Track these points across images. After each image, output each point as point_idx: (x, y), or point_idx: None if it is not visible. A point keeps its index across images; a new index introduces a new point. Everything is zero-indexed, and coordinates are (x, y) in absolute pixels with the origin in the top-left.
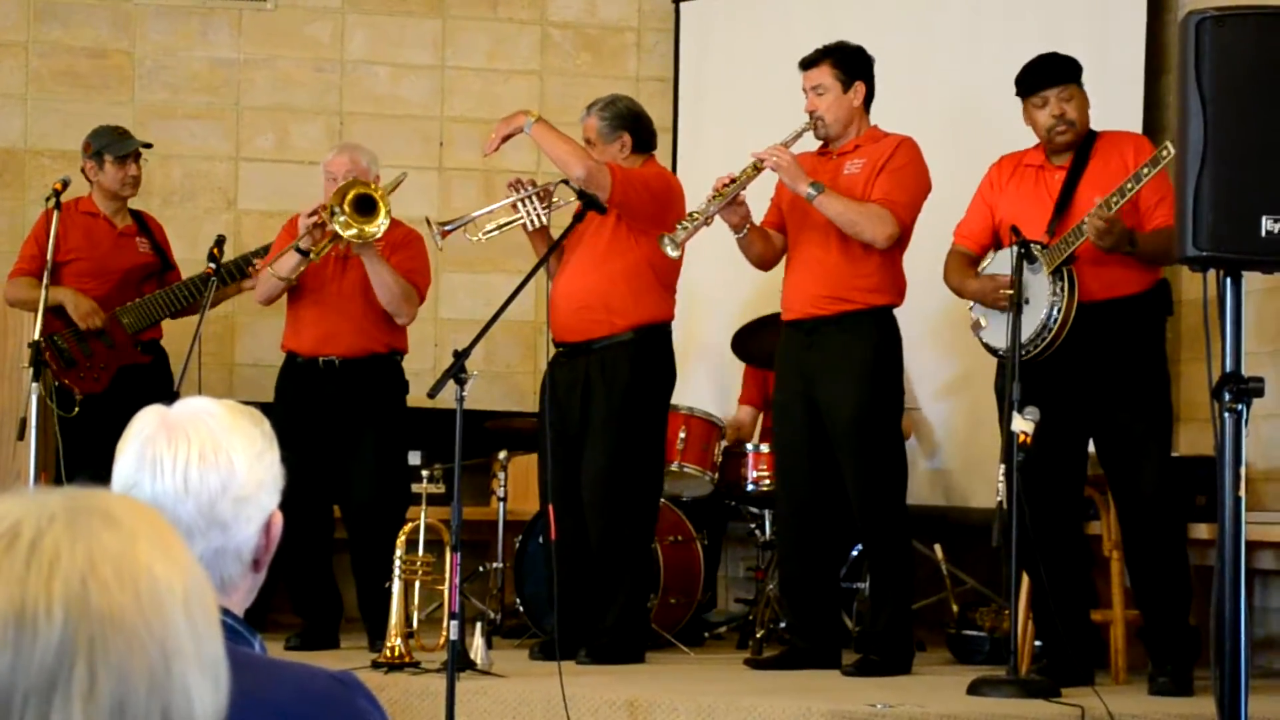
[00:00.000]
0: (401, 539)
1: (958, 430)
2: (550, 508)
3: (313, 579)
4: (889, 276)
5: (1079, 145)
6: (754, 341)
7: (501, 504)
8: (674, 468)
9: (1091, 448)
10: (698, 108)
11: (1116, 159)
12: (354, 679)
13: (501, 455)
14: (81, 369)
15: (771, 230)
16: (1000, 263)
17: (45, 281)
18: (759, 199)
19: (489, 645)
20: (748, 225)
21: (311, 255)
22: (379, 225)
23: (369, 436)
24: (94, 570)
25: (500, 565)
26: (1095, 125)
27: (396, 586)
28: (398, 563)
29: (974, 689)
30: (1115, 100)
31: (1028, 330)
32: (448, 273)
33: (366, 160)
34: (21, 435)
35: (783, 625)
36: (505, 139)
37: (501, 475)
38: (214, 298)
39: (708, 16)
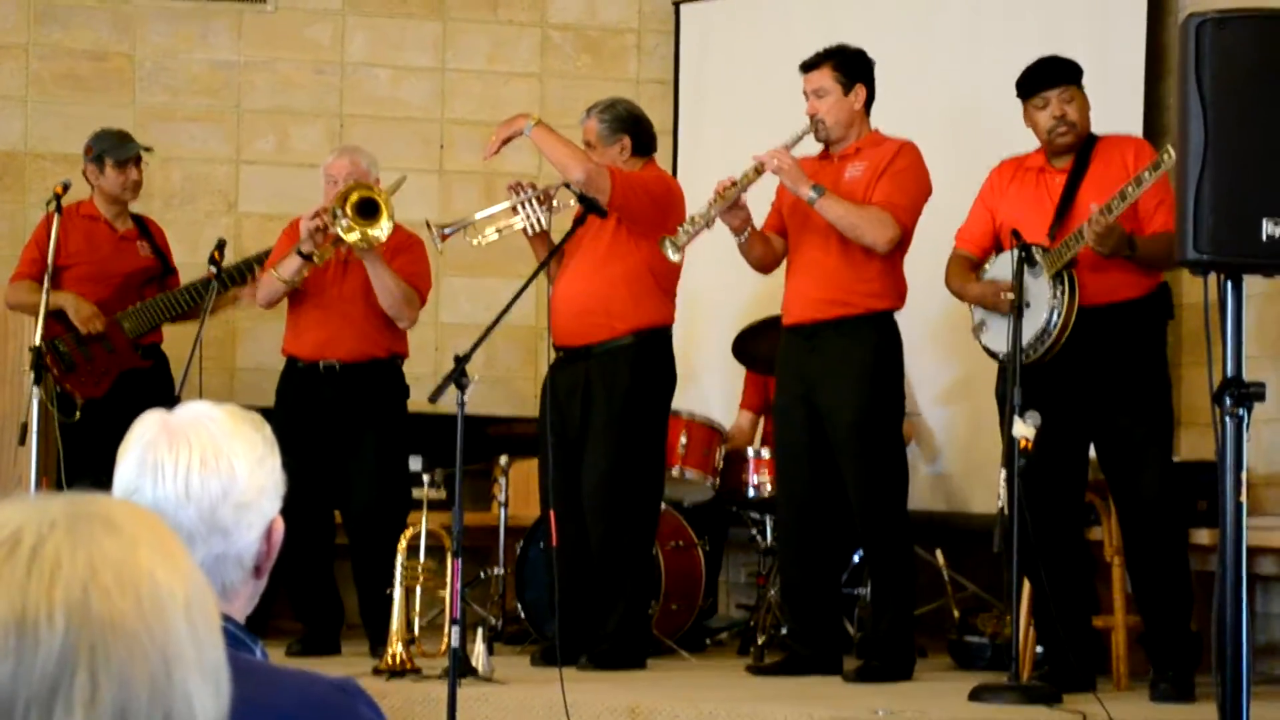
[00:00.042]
0: (402, 545)
1: (959, 435)
2: (551, 513)
3: (314, 585)
4: (890, 281)
5: (1080, 148)
6: (755, 346)
7: (503, 509)
8: (675, 473)
9: (1092, 453)
10: (698, 110)
11: (1117, 162)
12: (355, 686)
13: (502, 460)
14: (82, 373)
15: (772, 234)
16: (1001, 267)
17: (46, 285)
18: (760, 202)
19: (490, 651)
20: (749, 229)
21: (315, 259)
22: (382, 228)
23: (369, 441)
24: (95, 577)
25: (501, 571)
26: (1096, 128)
27: (397, 593)
28: (399, 569)
29: (975, 695)
30: (1116, 103)
31: (1028, 334)
32: (448, 277)
33: (367, 163)
34: (23, 440)
35: (784, 631)
36: (505, 142)
37: (502, 480)
38: (210, 306)
39: (708, 18)
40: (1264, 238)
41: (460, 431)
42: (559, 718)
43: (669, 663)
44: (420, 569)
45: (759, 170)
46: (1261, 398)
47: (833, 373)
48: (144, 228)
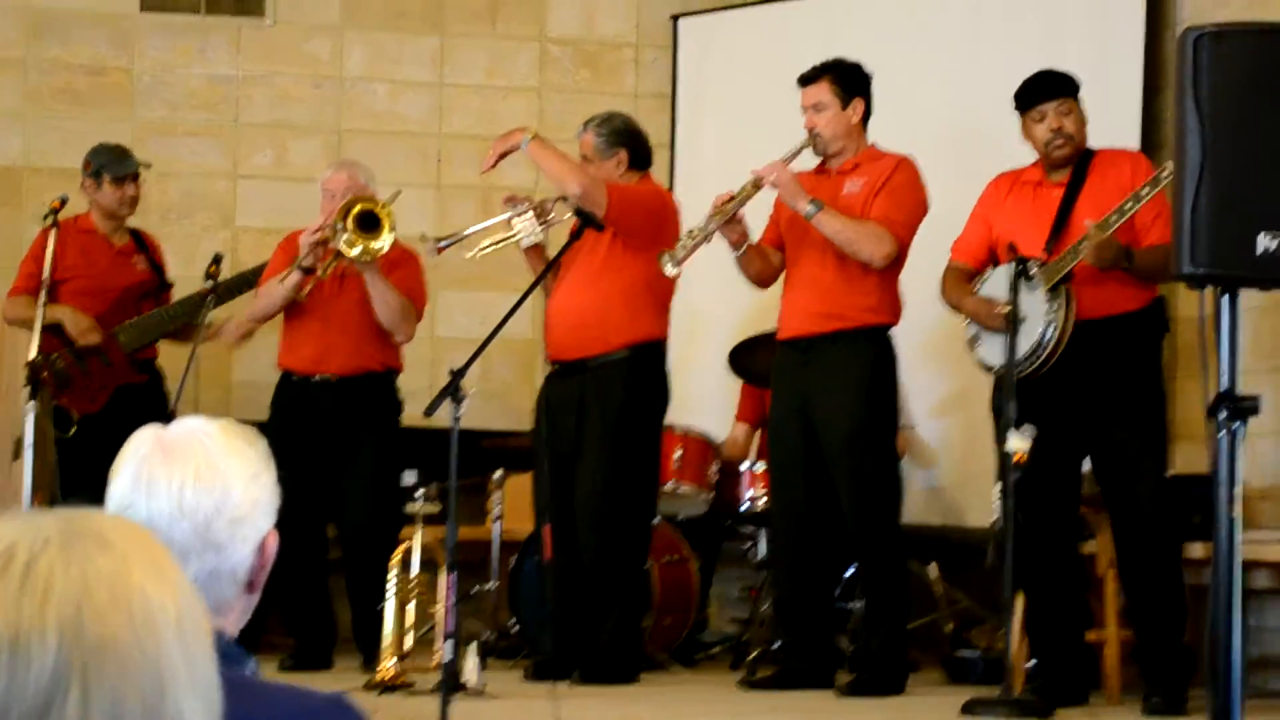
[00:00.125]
0: (396, 559)
1: (954, 449)
2: (547, 527)
3: (307, 600)
4: (886, 296)
5: (1077, 162)
6: (752, 359)
7: (497, 523)
8: (670, 487)
9: (1087, 466)
10: (696, 123)
11: (1114, 176)
12: (347, 701)
13: (497, 475)
14: (79, 388)
15: (770, 248)
16: (997, 280)
17: (42, 300)
18: (757, 217)
19: (483, 666)
20: (746, 243)
21: (318, 273)
22: (384, 241)
23: (364, 455)
24: (88, 595)
25: (495, 585)
26: (1093, 140)
27: (391, 607)
28: (392, 583)
29: (967, 709)
30: (1113, 116)
31: (1024, 348)
32: (444, 291)
33: (364, 177)
34: (16, 455)
35: (776, 645)
36: (502, 156)
37: (497, 495)
38: (202, 321)
39: (706, 32)
40: (1259, 251)
41: (455, 446)
42: None
43: (661, 677)
44: (414, 583)
45: (757, 185)
46: (1256, 411)
47: (828, 387)
48: (141, 242)
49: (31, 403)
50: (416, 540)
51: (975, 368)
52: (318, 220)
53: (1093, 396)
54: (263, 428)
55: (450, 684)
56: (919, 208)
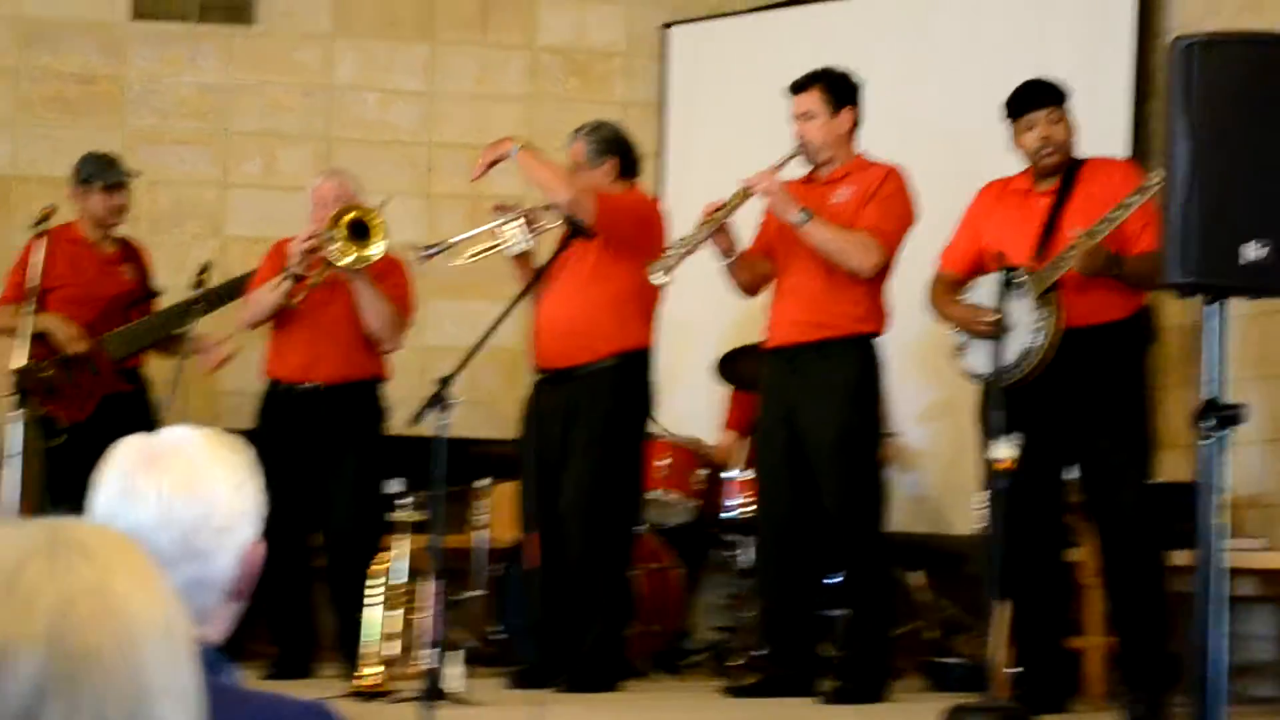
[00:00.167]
0: (381, 567)
1: (940, 457)
2: (531, 536)
3: (290, 608)
4: (873, 305)
5: (1066, 171)
6: (744, 367)
7: (482, 532)
8: (655, 495)
9: (1072, 474)
10: (685, 132)
11: (1103, 184)
12: (329, 709)
13: (484, 483)
14: (66, 397)
15: (758, 257)
16: (984, 289)
17: (30, 309)
18: (747, 225)
19: (467, 674)
20: (735, 252)
21: (310, 280)
22: (376, 249)
23: (348, 463)
24: (72, 605)
25: (479, 593)
26: (1083, 149)
27: (372, 614)
28: (376, 591)
29: (949, 716)
30: (1102, 125)
31: (1011, 355)
32: (432, 300)
33: (354, 186)
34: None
35: (760, 653)
36: (491, 165)
37: (481, 503)
38: (176, 348)
39: (695, 41)
40: (1247, 260)
41: (441, 454)
42: None
43: (645, 685)
44: (398, 591)
45: (747, 193)
46: (1240, 420)
47: (814, 394)
48: (129, 250)
49: (19, 411)
50: (403, 548)
51: (961, 376)
52: (308, 228)
53: (1078, 405)
54: (249, 436)
55: (433, 692)
56: (907, 217)
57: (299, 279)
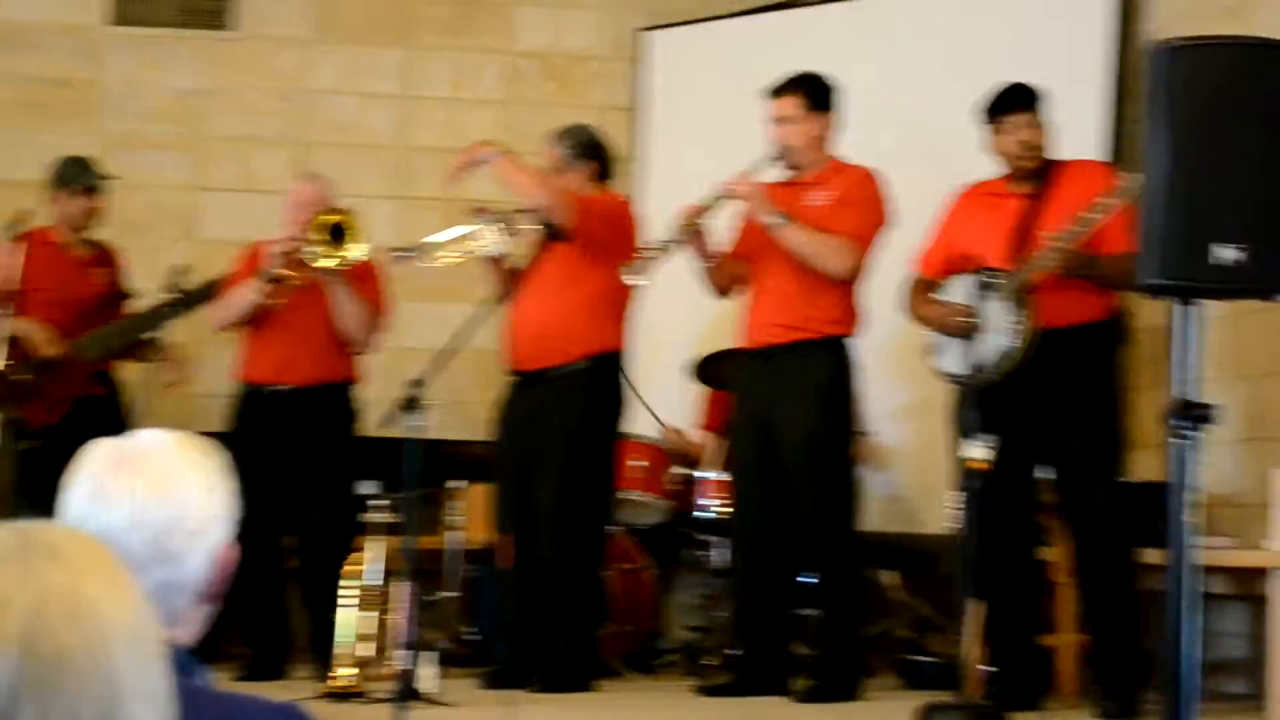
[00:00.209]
0: (354, 568)
1: (913, 457)
2: (505, 536)
3: (263, 610)
4: (846, 308)
5: (1041, 173)
6: (722, 368)
7: (456, 533)
8: (628, 496)
9: (1045, 474)
10: (661, 136)
11: (1079, 187)
12: (301, 710)
13: (456, 484)
14: (37, 400)
15: (734, 259)
16: (958, 290)
17: (7, 312)
18: (724, 229)
19: (440, 675)
20: (711, 254)
21: (292, 282)
22: (355, 251)
23: (319, 465)
24: (44, 609)
25: (453, 594)
26: (1059, 152)
27: (348, 616)
28: (348, 592)
29: (922, 714)
30: (1079, 128)
31: (986, 357)
32: (407, 302)
33: (331, 190)
34: None
35: (733, 652)
36: (467, 169)
37: (454, 504)
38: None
39: (671, 46)
40: (1219, 262)
41: (415, 456)
42: None
43: (618, 685)
44: (372, 592)
45: (724, 196)
46: (1212, 419)
47: (788, 396)
48: (103, 254)
49: None
50: (377, 550)
51: (934, 377)
52: (286, 231)
53: (1052, 406)
54: (222, 439)
55: (407, 692)
56: (883, 220)
57: (276, 281)
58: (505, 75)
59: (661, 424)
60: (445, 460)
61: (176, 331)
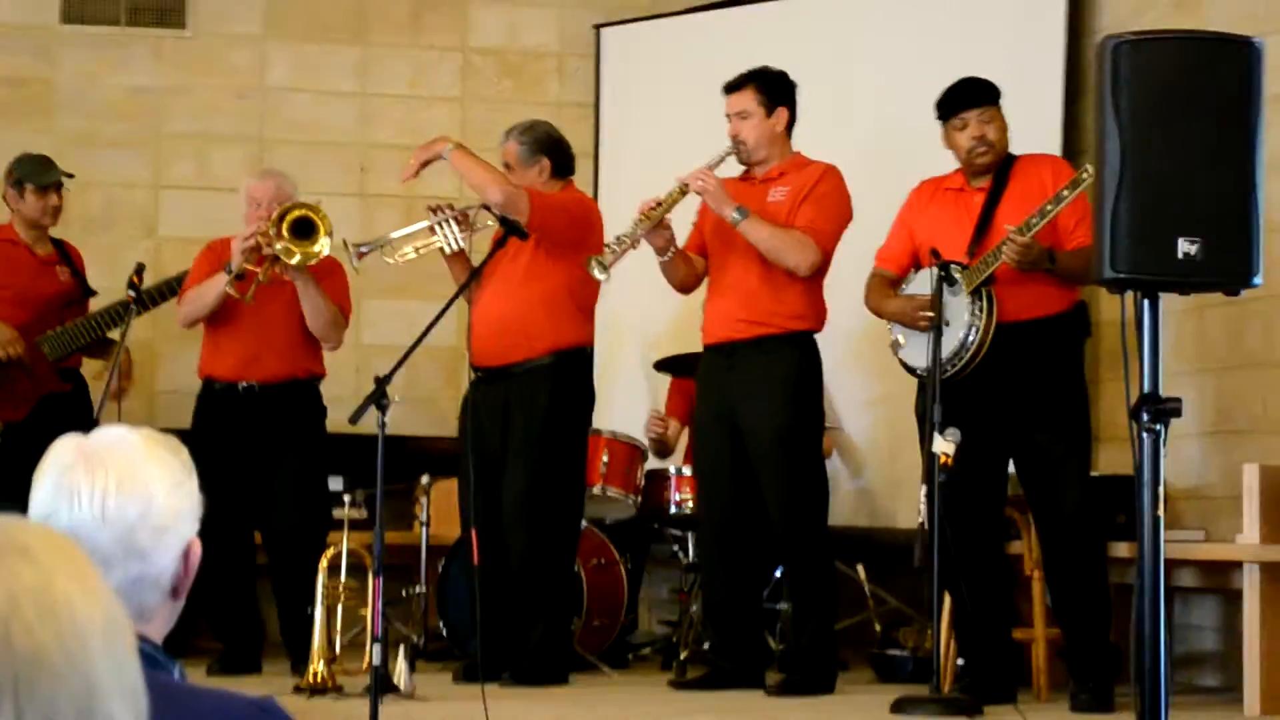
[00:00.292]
0: (324, 564)
1: (880, 451)
2: (473, 532)
3: (234, 604)
4: (810, 303)
5: (998, 168)
6: (682, 362)
7: (424, 528)
8: (597, 491)
9: (1012, 468)
10: (619, 132)
11: (1035, 181)
12: (274, 704)
13: (424, 480)
14: (2, 398)
15: (694, 254)
16: (920, 284)
17: None
18: (682, 223)
19: (412, 669)
20: (672, 248)
21: (259, 277)
22: (322, 245)
23: (289, 461)
24: (16, 609)
25: (423, 589)
26: (1015, 147)
27: (318, 611)
28: (320, 588)
29: (897, 708)
30: (1034, 122)
31: (946, 350)
32: (369, 299)
33: (290, 186)
34: None
35: (706, 646)
36: (424, 165)
37: (424, 500)
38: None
39: (629, 42)
40: (1179, 256)
41: (381, 452)
42: None
43: (592, 678)
44: (341, 588)
45: (683, 190)
46: (1178, 413)
47: (753, 391)
48: (64, 252)
49: None
50: (344, 545)
51: (900, 371)
52: (250, 226)
53: (1016, 399)
54: (186, 436)
55: (380, 687)
56: (843, 216)
57: (239, 277)
58: (461, 72)
59: (659, 414)
60: (411, 456)
61: (139, 329)
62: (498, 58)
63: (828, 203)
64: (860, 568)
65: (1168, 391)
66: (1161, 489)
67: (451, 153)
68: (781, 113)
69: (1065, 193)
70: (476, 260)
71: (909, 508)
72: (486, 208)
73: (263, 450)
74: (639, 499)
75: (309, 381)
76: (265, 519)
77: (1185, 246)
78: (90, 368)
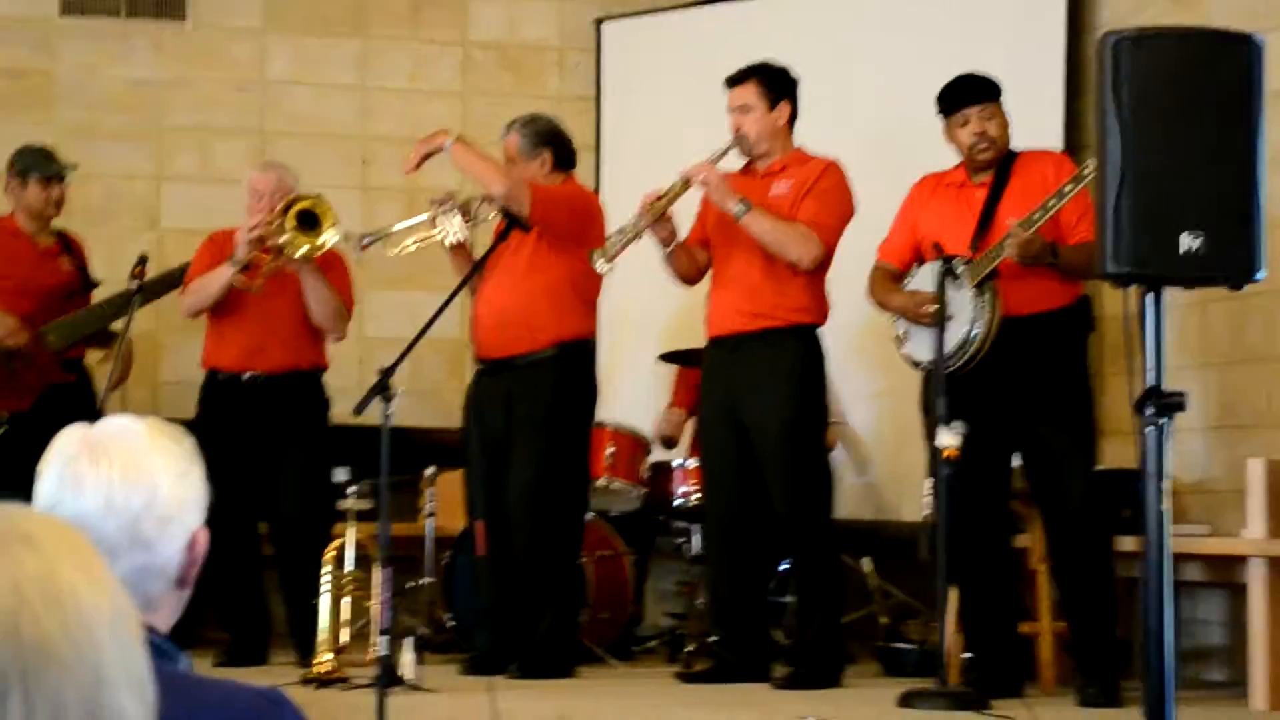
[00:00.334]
0: (330, 555)
1: (885, 444)
2: (478, 523)
3: (241, 595)
4: (813, 297)
5: (1000, 164)
6: (690, 351)
7: (429, 520)
8: (602, 483)
9: (1017, 461)
10: (620, 126)
11: (1037, 177)
12: (281, 695)
13: (429, 471)
14: (6, 388)
15: (696, 247)
16: (923, 278)
17: None
18: (685, 215)
19: (419, 661)
20: (674, 241)
21: (265, 269)
22: (328, 236)
23: (293, 452)
24: (23, 599)
25: (429, 581)
26: (1016, 143)
27: (325, 603)
28: (326, 579)
29: (904, 701)
30: (1035, 118)
31: (951, 344)
32: (373, 291)
33: (292, 178)
34: None
35: (712, 639)
36: (425, 158)
37: (429, 491)
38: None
39: (629, 35)
40: (1182, 251)
41: (386, 443)
42: None
43: (598, 671)
44: (348, 579)
45: (686, 183)
46: (1182, 407)
47: (757, 384)
48: (66, 243)
49: None
50: (350, 536)
51: (904, 365)
52: (254, 218)
53: (1020, 393)
54: (190, 426)
55: (387, 678)
56: (845, 211)
57: (246, 269)
58: (461, 66)
59: (673, 413)
60: (416, 447)
61: (142, 320)
62: (497, 51)
63: (830, 197)
64: (866, 561)
65: (1171, 386)
66: (1167, 483)
67: (453, 146)
68: (784, 107)
69: (1068, 188)
70: (477, 253)
71: (914, 501)
72: (488, 200)
73: (267, 441)
74: (644, 491)
75: (312, 373)
76: (271, 510)
77: (1188, 241)
78: (91, 359)
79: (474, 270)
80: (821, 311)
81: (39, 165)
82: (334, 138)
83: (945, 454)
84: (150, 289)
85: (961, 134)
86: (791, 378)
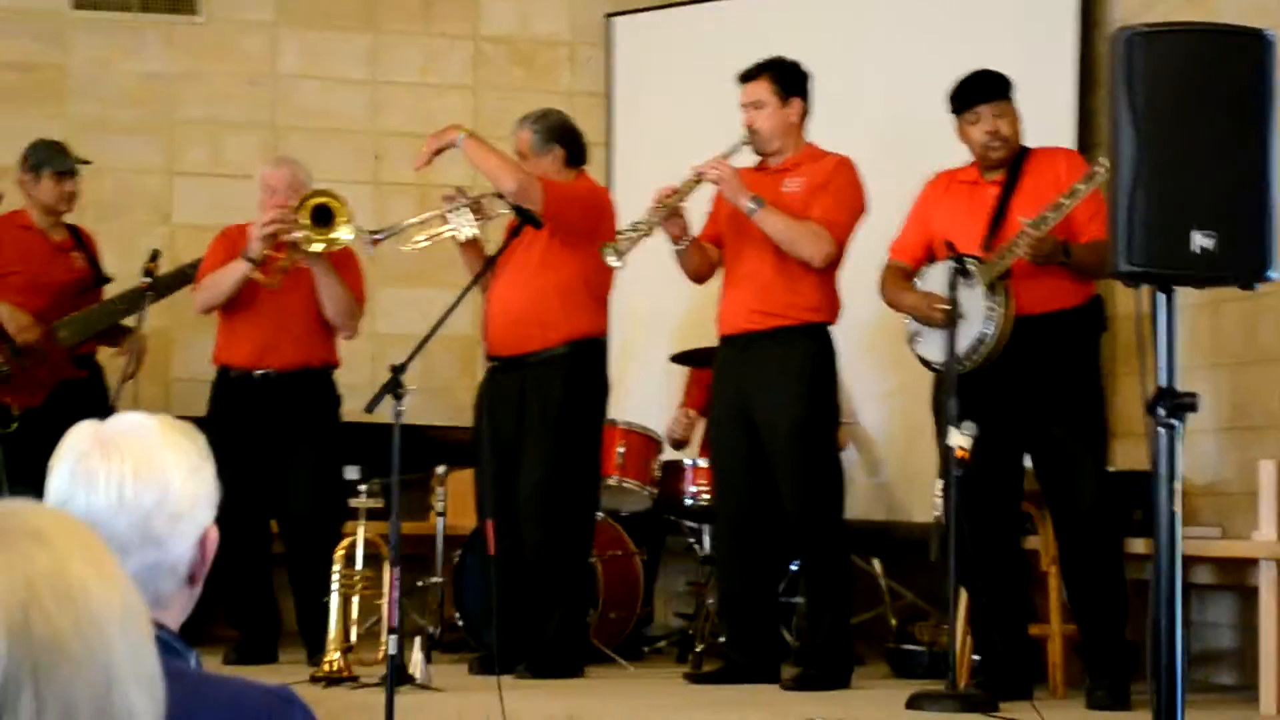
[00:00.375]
0: (340, 553)
1: (896, 445)
2: (489, 522)
3: (251, 593)
4: (824, 295)
5: (1012, 161)
6: (702, 351)
7: (440, 518)
8: (613, 482)
9: (1028, 462)
10: (631, 121)
11: (1049, 174)
12: (290, 693)
13: (440, 470)
14: (19, 384)
15: (708, 244)
16: (935, 277)
17: None
18: (697, 212)
19: (428, 660)
20: (686, 238)
21: (281, 264)
22: (344, 232)
23: (305, 450)
24: (34, 595)
25: (439, 580)
26: (1028, 140)
27: (335, 601)
28: (336, 577)
29: (913, 703)
30: (1047, 115)
31: (964, 344)
32: (385, 288)
33: (304, 174)
34: None
35: (722, 639)
36: (437, 153)
37: (440, 490)
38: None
39: (640, 31)
40: (1194, 249)
41: (397, 441)
42: None
43: (607, 671)
44: (358, 578)
45: (699, 179)
46: (1194, 408)
47: (768, 383)
48: (78, 238)
49: None
50: (360, 535)
51: (916, 364)
52: (268, 214)
53: (1032, 393)
54: (201, 423)
55: (396, 677)
56: (858, 208)
57: (260, 264)
58: (472, 61)
59: (687, 414)
60: (427, 445)
61: (154, 316)
62: (509, 46)
63: (842, 195)
64: (876, 562)
65: (1183, 387)
66: (1178, 484)
67: (464, 141)
68: (796, 103)
69: (1080, 187)
70: (489, 250)
71: (924, 502)
72: (500, 196)
73: (278, 438)
74: (655, 491)
75: (324, 370)
76: (281, 507)
77: (1200, 240)
78: (103, 354)
79: (486, 267)
80: (833, 310)
81: (52, 160)
82: (345, 132)
83: (956, 454)
84: (162, 285)
85: (973, 132)
86: (803, 377)
